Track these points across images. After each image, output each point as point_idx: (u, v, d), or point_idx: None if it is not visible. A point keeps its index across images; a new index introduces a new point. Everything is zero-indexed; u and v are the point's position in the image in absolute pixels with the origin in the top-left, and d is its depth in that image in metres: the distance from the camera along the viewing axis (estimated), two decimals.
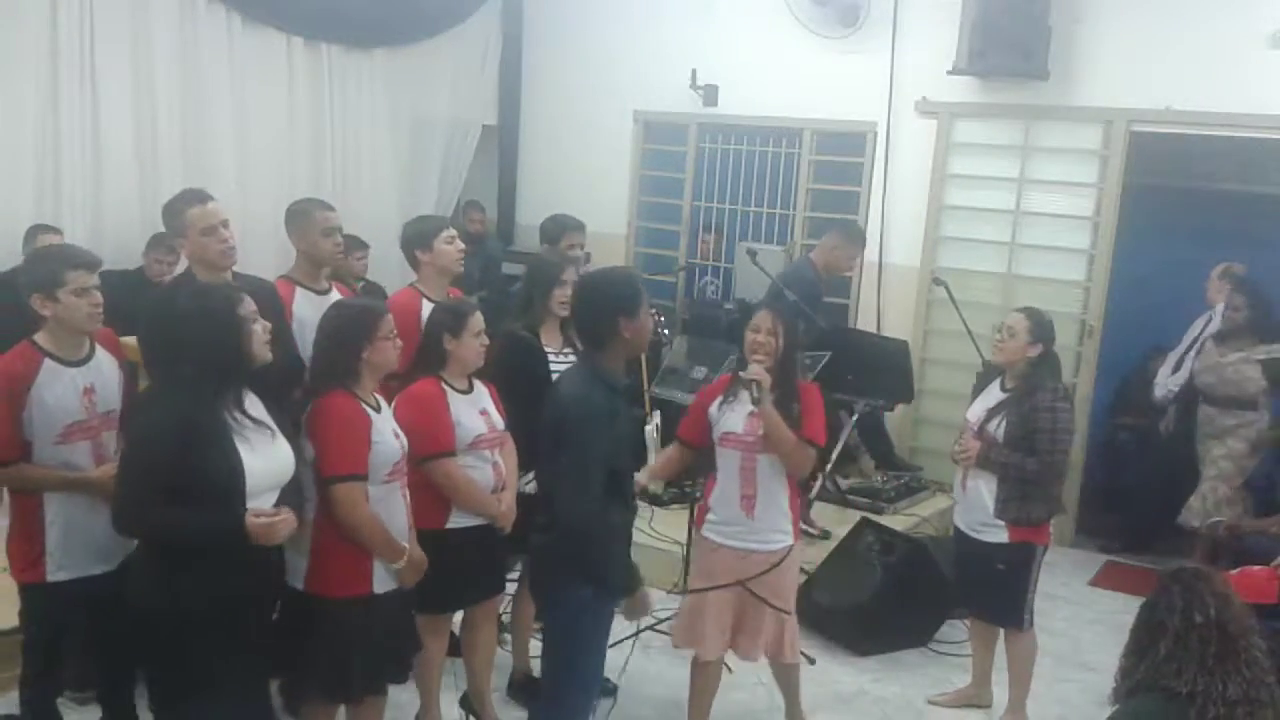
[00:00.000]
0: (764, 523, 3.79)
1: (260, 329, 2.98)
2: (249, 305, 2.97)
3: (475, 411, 3.73)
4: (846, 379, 6.10)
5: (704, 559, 3.93)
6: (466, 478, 3.67)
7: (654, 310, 6.98)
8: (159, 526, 2.85)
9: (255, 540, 2.83)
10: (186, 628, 2.84)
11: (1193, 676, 2.56)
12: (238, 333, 2.91)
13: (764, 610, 3.84)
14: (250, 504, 2.87)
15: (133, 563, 3.11)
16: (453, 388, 3.70)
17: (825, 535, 5.69)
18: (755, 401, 3.66)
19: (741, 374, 3.72)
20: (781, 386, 3.74)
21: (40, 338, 3.27)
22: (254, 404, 3.00)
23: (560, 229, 4.98)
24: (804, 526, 5.62)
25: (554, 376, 3.71)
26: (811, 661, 4.89)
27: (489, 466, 3.73)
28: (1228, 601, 2.66)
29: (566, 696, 3.33)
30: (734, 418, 3.79)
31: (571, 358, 3.88)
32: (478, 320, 3.72)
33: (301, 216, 4.11)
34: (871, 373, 6.24)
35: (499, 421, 3.79)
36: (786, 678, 4.18)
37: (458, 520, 3.70)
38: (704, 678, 3.97)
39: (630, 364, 6.06)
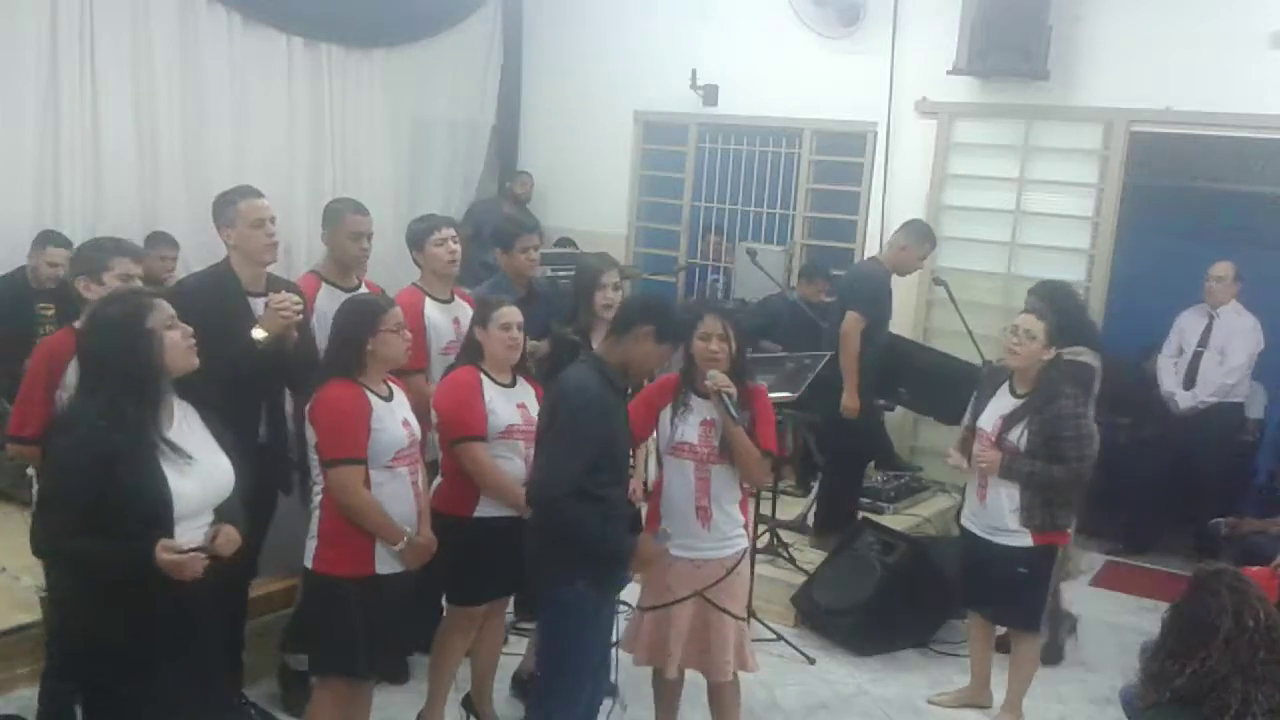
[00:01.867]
0: (719, 531, 3.65)
1: (179, 336, 2.74)
2: (162, 313, 2.72)
3: (512, 404, 3.74)
4: (898, 390, 5.99)
5: (659, 573, 3.70)
6: (493, 464, 3.67)
7: None
8: (70, 556, 2.65)
9: (167, 573, 2.55)
10: (112, 662, 2.64)
11: (1240, 684, 2.47)
12: (147, 344, 2.66)
13: (725, 621, 3.69)
14: (180, 526, 2.63)
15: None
16: (493, 379, 3.74)
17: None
18: (729, 415, 3.50)
19: (710, 383, 3.54)
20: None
21: (81, 324, 3.35)
22: (186, 419, 2.77)
23: (517, 230, 4.75)
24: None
25: None
26: (811, 661, 4.90)
27: (521, 460, 3.72)
28: (1270, 606, 2.59)
29: (557, 691, 3.33)
30: (687, 428, 3.63)
31: None
32: (504, 313, 3.75)
33: (334, 216, 4.18)
34: (931, 390, 5.88)
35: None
36: (725, 699, 3.84)
37: (485, 509, 3.70)
38: (669, 687, 3.88)
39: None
